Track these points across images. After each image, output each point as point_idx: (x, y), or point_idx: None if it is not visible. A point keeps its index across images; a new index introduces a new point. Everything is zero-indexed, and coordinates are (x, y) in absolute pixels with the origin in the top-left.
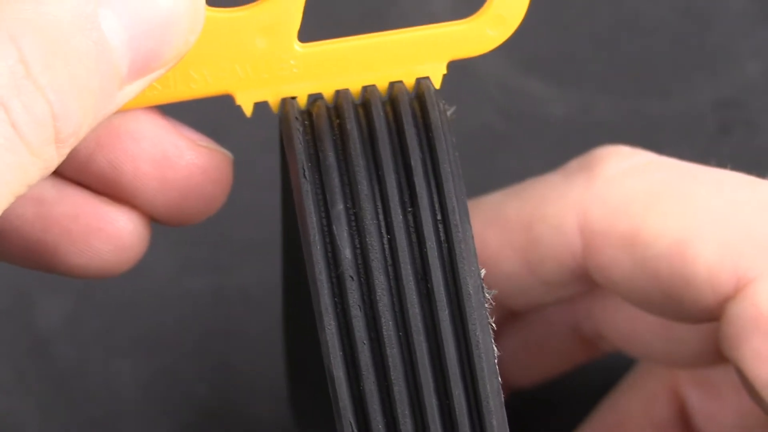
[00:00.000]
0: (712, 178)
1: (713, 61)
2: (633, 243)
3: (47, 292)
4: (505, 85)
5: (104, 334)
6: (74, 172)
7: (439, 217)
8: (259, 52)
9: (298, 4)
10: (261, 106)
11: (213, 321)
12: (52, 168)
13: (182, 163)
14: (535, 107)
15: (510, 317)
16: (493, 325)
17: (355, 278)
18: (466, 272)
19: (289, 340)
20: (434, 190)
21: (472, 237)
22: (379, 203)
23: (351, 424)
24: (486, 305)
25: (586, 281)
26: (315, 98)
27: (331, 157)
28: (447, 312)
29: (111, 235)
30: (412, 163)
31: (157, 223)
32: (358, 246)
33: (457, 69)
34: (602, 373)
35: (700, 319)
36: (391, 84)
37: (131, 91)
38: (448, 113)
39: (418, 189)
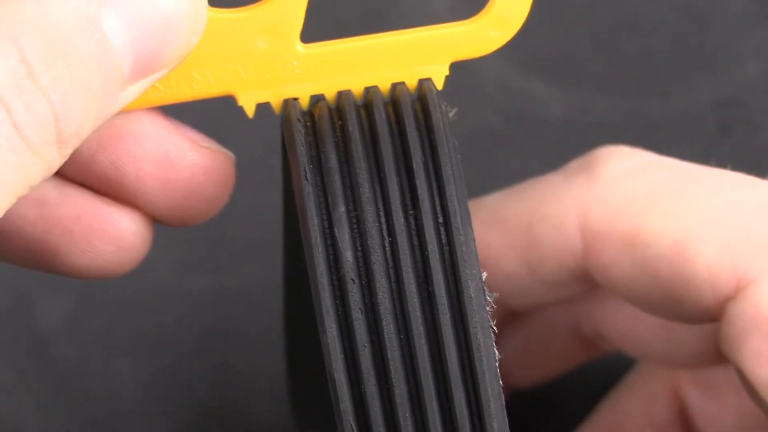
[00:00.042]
0: (712, 179)
1: (713, 61)
2: (633, 243)
3: (47, 292)
4: (505, 85)
5: (104, 334)
6: (76, 173)
7: (440, 220)
8: (262, 53)
9: (301, 4)
10: (262, 106)
11: (213, 321)
12: (54, 169)
13: (184, 164)
14: (535, 107)
15: (510, 317)
16: (495, 328)
17: (356, 281)
18: (468, 275)
19: (289, 340)
20: (436, 193)
21: (474, 240)
22: (380, 206)
23: (352, 427)
24: (487, 308)
25: (586, 281)
26: (317, 99)
27: (333, 159)
28: (448, 315)
29: (113, 235)
30: (414, 165)
31: (160, 223)
32: (359, 249)
33: (457, 69)
34: (602, 373)
35: (701, 320)
36: (394, 85)
37: (133, 92)
38: (450, 114)
39: (419, 192)
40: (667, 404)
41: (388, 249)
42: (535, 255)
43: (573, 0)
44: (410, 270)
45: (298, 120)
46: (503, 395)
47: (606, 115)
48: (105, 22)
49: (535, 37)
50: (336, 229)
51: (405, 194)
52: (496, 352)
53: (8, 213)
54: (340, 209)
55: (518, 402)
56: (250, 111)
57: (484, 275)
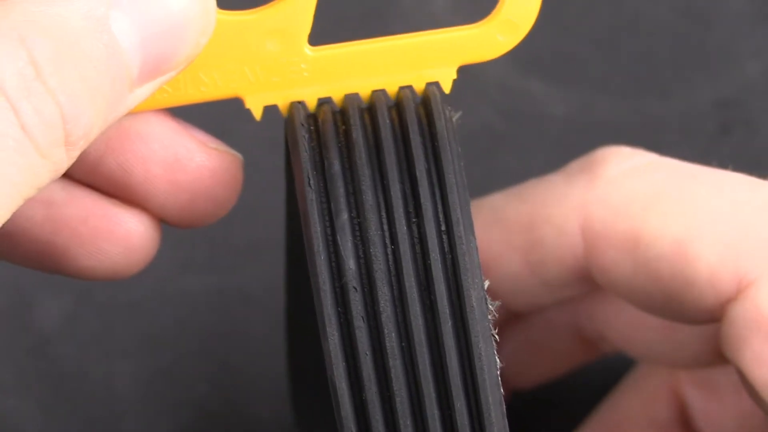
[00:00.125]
0: (713, 179)
1: (713, 61)
2: (634, 244)
3: (47, 292)
4: (505, 85)
5: (104, 334)
6: (84, 174)
7: (443, 228)
8: (270, 56)
9: (309, 7)
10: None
11: (213, 321)
12: (62, 170)
13: (192, 166)
14: (535, 107)
15: (511, 318)
16: (496, 336)
17: (358, 289)
18: (470, 284)
19: (291, 340)
20: (439, 201)
21: (476, 249)
22: (383, 213)
23: None
24: (489, 317)
25: (587, 282)
26: (322, 102)
27: (336, 166)
28: (450, 324)
29: (121, 237)
30: (417, 174)
31: (167, 224)
32: (362, 256)
33: (458, 69)
34: (602, 373)
35: (702, 320)
36: (399, 89)
37: (142, 93)
38: (455, 118)
39: (422, 200)
40: (668, 404)
41: (390, 257)
42: (536, 256)
43: (573, 0)
44: (412, 278)
45: (302, 124)
46: (504, 404)
47: (606, 115)
48: (114, 24)
49: (535, 37)
50: (339, 237)
51: (408, 202)
52: (498, 360)
53: (16, 214)
54: (343, 216)
55: (518, 402)
56: (257, 113)
57: (487, 284)
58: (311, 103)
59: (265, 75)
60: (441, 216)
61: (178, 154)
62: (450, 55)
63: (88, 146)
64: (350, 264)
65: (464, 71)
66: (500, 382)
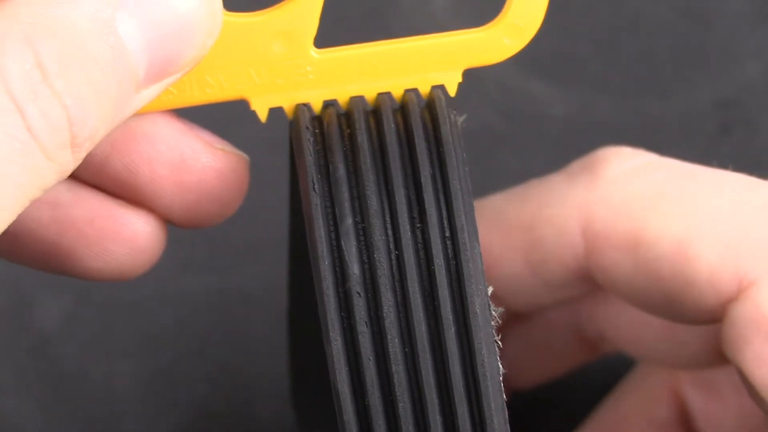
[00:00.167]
0: (714, 179)
1: (713, 61)
2: (635, 244)
3: (47, 292)
4: (505, 85)
5: (104, 334)
6: (90, 176)
7: (447, 234)
8: (276, 58)
9: (315, 9)
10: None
11: (213, 321)
12: (68, 172)
13: (199, 166)
14: (535, 107)
15: (512, 318)
16: (499, 343)
17: (362, 294)
18: (473, 291)
19: (293, 340)
20: (443, 207)
21: (480, 255)
22: (388, 218)
23: None
24: (492, 323)
25: (588, 283)
26: (327, 104)
27: (341, 170)
28: (453, 330)
29: (127, 238)
30: (422, 179)
31: (173, 225)
32: (366, 261)
33: (463, 72)
34: (602, 373)
35: (702, 321)
36: (404, 92)
37: (148, 95)
38: (459, 122)
39: (427, 206)
40: (668, 404)
41: (394, 262)
42: (537, 256)
43: (573, 0)
44: (416, 284)
45: (307, 128)
46: (506, 410)
47: (606, 115)
48: (120, 26)
49: (536, 37)
50: (343, 242)
51: (412, 207)
52: (500, 366)
53: (22, 215)
54: (348, 221)
55: (519, 402)
56: (262, 115)
57: (490, 290)
58: (316, 106)
59: (270, 77)
60: (445, 222)
61: (184, 155)
62: (456, 59)
63: (95, 147)
64: (354, 269)
65: (465, 71)
66: (503, 387)
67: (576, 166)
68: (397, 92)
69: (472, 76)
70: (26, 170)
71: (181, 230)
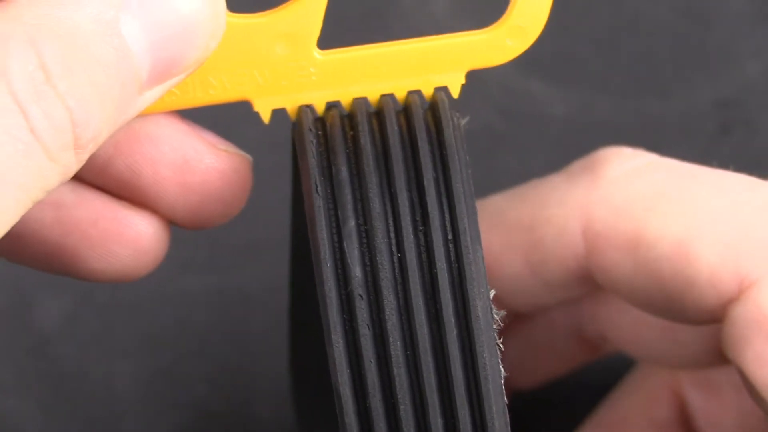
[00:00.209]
0: (714, 180)
1: (713, 61)
2: (636, 245)
3: (47, 292)
4: (505, 85)
5: (104, 335)
6: (93, 177)
7: (450, 237)
8: (279, 59)
9: (319, 11)
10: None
11: (213, 321)
12: (71, 173)
13: (202, 167)
14: (535, 107)
15: (512, 318)
16: (501, 346)
17: (364, 297)
18: (476, 294)
19: (293, 339)
20: (446, 210)
21: (483, 258)
22: (390, 221)
23: None
24: (494, 326)
25: (588, 283)
26: (330, 106)
27: (344, 172)
28: (455, 333)
29: (130, 239)
30: (425, 182)
31: (176, 226)
32: (368, 264)
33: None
34: (602, 373)
35: (703, 321)
36: (407, 94)
37: (151, 96)
38: (462, 123)
39: (429, 209)
40: (668, 404)
41: (396, 265)
42: (538, 256)
43: (573, 0)
44: (418, 287)
45: (310, 129)
46: (507, 413)
47: (606, 115)
48: (123, 27)
49: None
50: (345, 244)
51: (415, 210)
52: (502, 369)
53: (25, 217)
54: (350, 224)
55: (519, 402)
56: (265, 117)
57: (492, 293)
58: (319, 107)
59: (273, 78)
60: (448, 225)
61: (188, 156)
62: (459, 60)
63: (98, 149)
64: (356, 272)
65: (466, 72)
66: (504, 391)
67: (576, 166)
68: (400, 94)
69: (472, 76)
70: (29, 171)
71: (181, 230)
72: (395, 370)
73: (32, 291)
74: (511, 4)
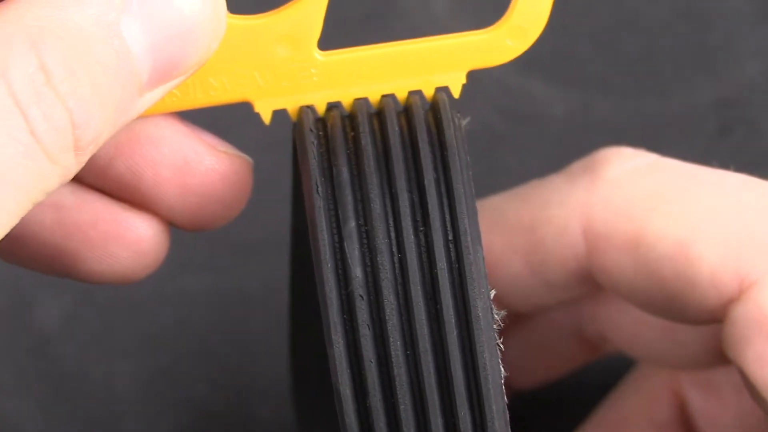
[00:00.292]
0: (715, 180)
1: (713, 61)
2: (636, 245)
3: (47, 292)
4: (505, 85)
5: (104, 334)
6: (94, 178)
7: (450, 238)
8: (280, 60)
9: (319, 12)
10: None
11: (213, 321)
12: (71, 175)
13: (202, 169)
14: (535, 107)
15: (513, 319)
16: (501, 346)
17: (364, 297)
18: (476, 294)
19: (294, 339)
20: (447, 210)
21: (483, 258)
22: (391, 222)
23: None
24: (494, 326)
25: (589, 283)
26: (332, 106)
27: (344, 173)
28: (455, 333)
29: (130, 241)
30: (426, 183)
31: (177, 228)
32: (368, 264)
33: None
34: (602, 373)
35: (703, 321)
36: (408, 94)
37: (151, 98)
38: (463, 123)
39: (430, 209)
40: (668, 404)
41: (397, 266)
42: (538, 257)
43: (573, 0)
44: (419, 287)
45: (311, 130)
46: (507, 412)
47: (606, 115)
48: (125, 29)
49: None
50: (346, 245)
51: (416, 211)
52: (502, 369)
53: (25, 218)
54: (351, 224)
55: (518, 402)
56: (266, 118)
57: (493, 293)
58: (320, 108)
59: (274, 79)
60: (448, 225)
61: (188, 158)
62: (460, 61)
63: (98, 150)
64: (357, 272)
65: (467, 73)
66: (504, 391)
67: (577, 166)
68: (401, 94)
69: (472, 76)
70: (29, 173)
71: (181, 231)
72: (395, 370)
73: (32, 291)
74: (511, 5)
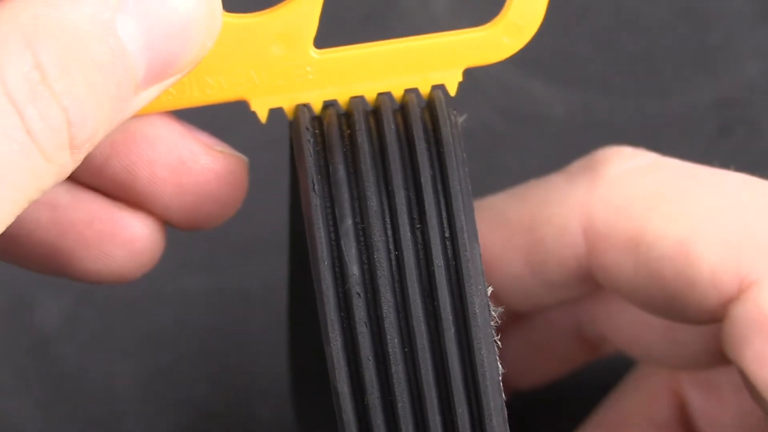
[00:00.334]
0: (715, 179)
1: (713, 61)
2: (636, 244)
3: (47, 292)
4: (505, 85)
5: (104, 334)
6: (89, 177)
7: (447, 235)
8: (275, 59)
9: (315, 10)
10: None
11: (213, 321)
12: (67, 173)
13: (198, 168)
14: (535, 107)
15: (512, 318)
16: (499, 343)
17: (361, 295)
18: (473, 291)
19: (292, 338)
20: (443, 207)
21: (480, 255)
22: (387, 219)
23: None
24: (492, 323)
25: (589, 283)
26: (328, 104)
27: (341, 171)
28: (453, 330)
29: (126, 240)
30: (422, 180)
31: (172, 227)
32: (365, 262)
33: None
34: (602, 373)
35: (703, 321)
36: (404, 92)
37: (147, 96)
38: (459, 122)
39: (426, 206)
40: (668, 404)
41: (394, 263)
42: (538, 256)
43: (573, 0)
44: (416, 285)
45: (307, 128)
46: (506, 409)
47: (606, 115)
48: (120, 27)
49: (535, 37)
50: (343, 242)
51: (412, 208)
52: (500, 366)
53: (21, 217)
54: (348, 222)
55: (518, 402)
56: (262, 116)
57: (490, 290)
58: (316, 106)
59: (270, 78)
60: (445, 223)
61: (184, 157)
62: (456, 58)
63: (94, 149)
64: (354, 270)
65: (465, 72)
66: (502, 388)
67: (577, 166)
68: (398, 92)
69: (471, 76)
70: (25, 171)
71: (181, 231)
72: (393, 368)
73: (32, 291)
74: (507, 2)
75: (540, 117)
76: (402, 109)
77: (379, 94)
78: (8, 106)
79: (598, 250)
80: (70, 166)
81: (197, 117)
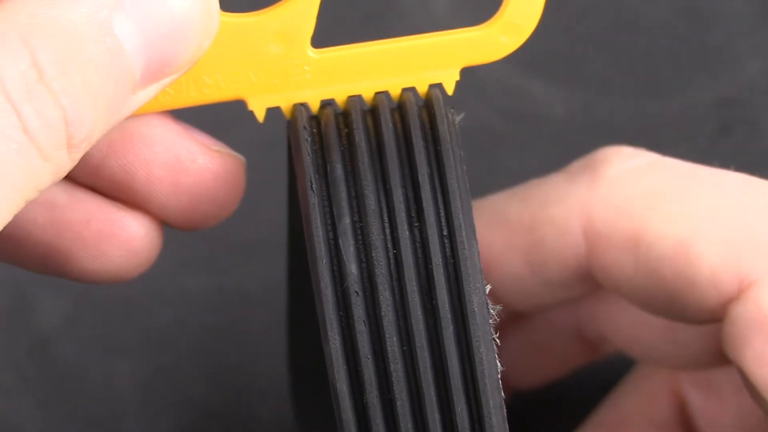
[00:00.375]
0: (715, 179)
1: (713, 61)
2: (636, 244)
3: (47, 292)
4: (504, 85)
5: (104, 334)
6: (86, 177)
7: (445, 233)
8: (273, 58)
9: (312, 9)
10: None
11: (213, 321)
12: (64, 173)
13: (195, 168)
14: (535, 107)
15: (512, 318)
16: (497, 340)
17: (360, 293)
18: (471, 289)
19: (292, 338)
20: (441, 206)
21: (478, 254)
22: (385, 217)
23: None
24: (490, 321)
25: (589, 283)
26: (326, 103)
27: (338, 170)
28: (451, 329)
29: (123, 240)
30: (420, 178)
31: (170, 227)
32: (363, 261)
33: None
34: (602, 373)
35: (703, 320)
36: (402, 91)
37: (144, 96)
38: (457, 119)
39: (424, 205)
40: (668, 404)
41: (392, 261)
42: (538, 256)
43: (573, 0)
44: (414, 283)
45: (305, 127)
46: (505, 407)
47: (606, 115)
48: (117, 26)
49: (535, 37)
50: (341, 241)
51: (410, 206)
52: (498, 364)
53: (18, 217)
54: (346, 221)
55: (518, 402)
56: (260, 115)
57: (488, 288)
58: (314, 105)
59: (268, 77)
60: (443, 221)
61: (181, 157)
62: (453, 57)
63: (91, 149)
64: (352, 268)
65: (464, 71)
66: (501, 385)
67: (577, 165)
68: (395, 91)
69: (472, 76)
70: (22, 171)
71: (181, 231)
72: (392, 366)
73: (32, 291)
74: (505, 1)
75: (540, 117)
76: (399, 107)
77: (377, 93)
78: (5, 104)
79: (598, 249)
80: (67, 165)
81: (195, 116)
